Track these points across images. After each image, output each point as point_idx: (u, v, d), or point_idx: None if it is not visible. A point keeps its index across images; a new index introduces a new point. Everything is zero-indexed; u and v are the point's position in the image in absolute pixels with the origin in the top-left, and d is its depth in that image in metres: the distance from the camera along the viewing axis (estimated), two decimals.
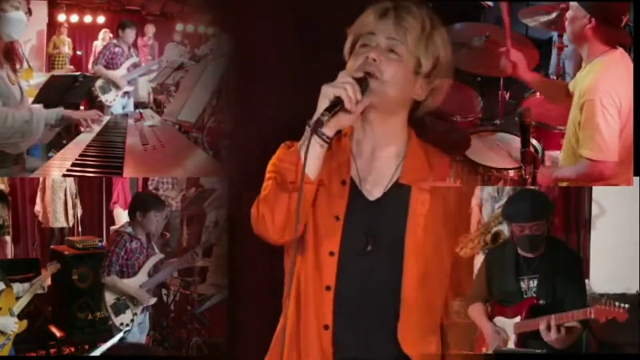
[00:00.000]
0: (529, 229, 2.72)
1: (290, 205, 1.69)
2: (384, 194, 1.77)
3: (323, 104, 1.64)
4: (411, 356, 1.75)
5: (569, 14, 2.76)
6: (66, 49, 5.21)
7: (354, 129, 1.80)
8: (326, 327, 1.75)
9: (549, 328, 2.57)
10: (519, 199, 2.82)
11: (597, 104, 2.60)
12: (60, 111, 3.15)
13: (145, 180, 5.31)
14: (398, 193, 1.77)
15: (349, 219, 1.75)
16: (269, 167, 1.79)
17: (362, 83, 1.67)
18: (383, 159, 1.79)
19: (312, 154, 1.65)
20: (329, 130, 1.65)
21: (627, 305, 2.47)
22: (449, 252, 1.82)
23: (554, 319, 2.57)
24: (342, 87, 1.63)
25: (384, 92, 1.70)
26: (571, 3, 2.77)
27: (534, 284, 2.74)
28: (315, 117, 1.64)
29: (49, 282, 4.19)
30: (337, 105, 1.63)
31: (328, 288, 1.75)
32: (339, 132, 1.73)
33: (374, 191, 1.78)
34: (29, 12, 3.06)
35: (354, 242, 1.75)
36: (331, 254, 1.75)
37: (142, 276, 4.07)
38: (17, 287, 3.82)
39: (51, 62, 5.21)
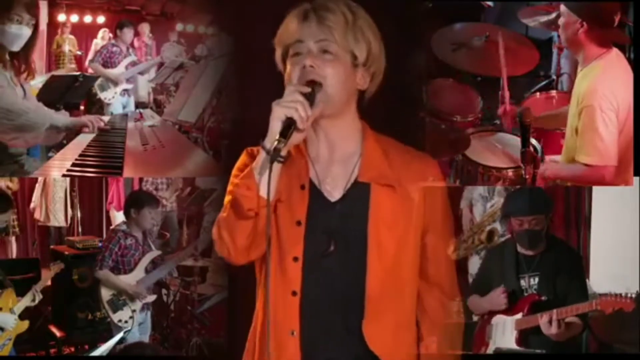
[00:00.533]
0: (528, 224, 2.74)
1: (249, 231, 1.69)
2: (344, 194, 1.76)
3: (276, 126, 1.63)
4: (379, 355, 1.73)
5: (561, 21, 2.76)
6: (66, 47, 5.21)
7: (308, 135, 1.76)
8: (292, 333, 1.74)
9: (550, 322, 2.58)
10: (519, 194, 2.84)
11: (596, 109, 2.60)
12: (67, 119, 3.19)
13: (140, 181, 5.33)
14: (358, 192, 1.75)
15: (311, 222, 1.74)
16: (231, 179, 1.77)
17: (310, 97, 1.66)
18: (340, 158, 1.78)
19: (272, 178, 1.64)
20: (283, 150, 1.64)
21: (633, 295, 2.49)
22: (418, 250, 1.81)
23: (556, 313, 2.58)
24: (293, 107, 1.62)
25: (329, 97, 1.70)
26: (562, 9, 2.76)
27: (534, 281, 2.75)
28: (268, 140, 1.63)
29: (49, 282, 4.20)
30: (290, 127, 1.62)
31: (294, 293, 1.74)
32: None
33: (334, 192, 1.77)
34: (35, 26, 3.08)
35: (317, 245, 1.74)
36: (295, 259, 1.74)
37: (139, 272, 4.10)
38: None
39: (55, 61, 5.22)
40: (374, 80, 1.79)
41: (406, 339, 1.80)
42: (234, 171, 1.80)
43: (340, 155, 1.79)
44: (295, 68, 1.72)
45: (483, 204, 3.45)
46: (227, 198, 1.74)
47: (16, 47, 2.98)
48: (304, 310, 1.74)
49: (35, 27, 3.05)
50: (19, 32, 2.98)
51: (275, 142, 1.61)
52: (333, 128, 1.77)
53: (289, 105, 1.63)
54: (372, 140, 1.81)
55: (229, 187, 1.76)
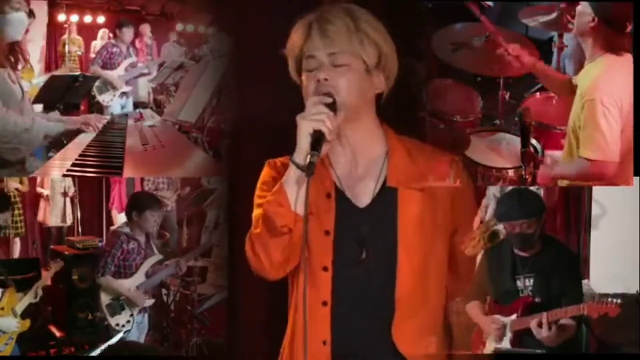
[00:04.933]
0: (519, 227, 2.74)
1: (285, 246, 1.69)
2: (373, 199, 1.76)
3: (305, 140, 1.63)
4: (409, 358, 1.74)
5: (579, 8, 2.75)
6: (73, 48, 5.21)
7: None
8: (324, 343, 1.74)
9: (540, 325, 2.58)
10: (509, 198, 2.84)
11: (598, 103, 2.60)
12: (61, 126, 3.18)
13: (141, 182, 5.32)
14: (386, 196, 1.76)
15: (339, 231, 1.74)
16: (257, 192, 1.78)
17: (332, 106, 1.67)
18: (365, 163, 1.79)
19: (303, 191, 1.64)
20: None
21: (619, 301, 2.49)
22: (446, 250, 1.81)
23: (546, 316, 2.58)
24: (320, 120, 1.63)
25: (348, 105, 1.70)
26: None
27: (530, 282, 2.75)
28: (298, 154, 1.64)
29: (48, 282, 4.20)
30: (319, 140, 1.63)
31: (324, 304, 1.74)
32: None
33: (362, 198, 1.77)
34: (32, 13, 3.07)
35: (347, 253, 1.74)
36: (324, 269, 1.74)
37: (139, 277, 4.08)
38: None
39: (61, 61, 5.22)
40: (389, 80, 1.79)
41: (435, 342, 1.81)
42: (259, 184, 1.80)
43: (364, 160, 1.79)
44: (311, 82, 1.73)
45: (494, 204, 3.44)
46: (257, 212, 1.75)
47: (19, 36, 2.96)
48: (335, 319, 1.74)
49: (31, 13, 3.03)
50: (22, 19, 2.95)
51: (309, 157, 1.61)
52: (355, 134, 1.77)
53: (315, 118, 1.64)
54: (396, 143, 1.81)
55: (257, 201, 1.77)
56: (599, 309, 2.50)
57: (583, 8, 2.72)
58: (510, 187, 3.07)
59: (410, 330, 1.74)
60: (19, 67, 3.04)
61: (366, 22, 1.75)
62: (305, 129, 1.64)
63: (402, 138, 1.83)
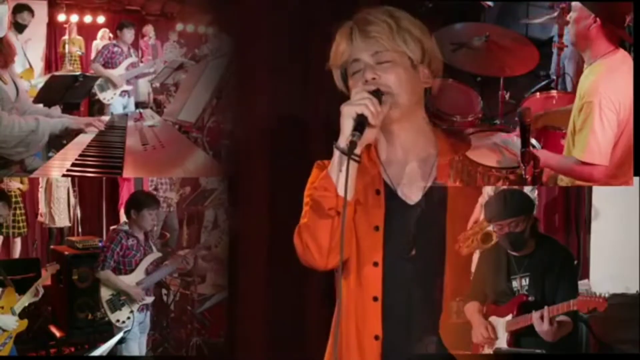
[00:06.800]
0: (507, 227, 2.74)
1: (332, 230, 1.70)
2: (424, 195, 1.78)
3: (347, 124, 1.65)
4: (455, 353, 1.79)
5: (571, 16, 2.75)
6: (74, 48, 5.22)
7: (378, 140, 1.80)
8: (376, 338, 1.76)
9: (542, 318, 2.59)
10: (496, 198, 2.83)
11: (596, 106, 2.60)
12: (65, 122, 3.16)
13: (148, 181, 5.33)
14: (436, 193, 1.78)
15: (389, 227, 1.76)
16: (306, 192, 1.79)
17: (377, 94, 1.68)
18: (416, 161, 1.80)
19: (350, 176, 1.65)
20: (358, 148, 1.66)
21: (606, 295, 2.51)
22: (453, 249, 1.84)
23: (547, 310, 2.60)
24: (363, 103, 1.65)
25: (399, 102, 1.72)
26: (574, 4, 2.76)
27: (525, 282, 2.75)
28: (341, 139, 1.65)
29: (48, 282, 4.20)
30: (363, 123, 1.64)
31: (375, 299, 1.76)
32: (367, 146, 1.75)
33: (411, 195, 1.78)
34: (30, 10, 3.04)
35: (397, 249, 1.76)
36: (375, 264, 1.76)
37: (139, 273, 4.09)
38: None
39: (62, 61, 5.23)
40: (434, 75, 1.81)
41: (433, 342, 1.81)
42: (308, 185, 1.81)
43: (415, 157, 1.81)
44: (358, 84, 1.74)
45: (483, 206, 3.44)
46: (305, 209, 1.75)
47: (2, 32, 2.90)
48: (386, 314, 1.75)
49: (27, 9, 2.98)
50: (3, 12, 2.89)
51: (350, 136, 1.63)
52: (405, 132, 1.79)
53: (358, 103, 1.65)
54: (445, 144, 1.85)
55: (305, 200, 1.78)
56: (587, 304, 2.52)
57: (579, 13, 2.71)
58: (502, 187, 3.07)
59: (456, 326, 1.79)
60: (8, 64, 2.97)
61: (406, 19, 1.77)
62: (348, 113, 1.65)
63: (450, 137, 1.87)
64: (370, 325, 1.76)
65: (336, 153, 1.67)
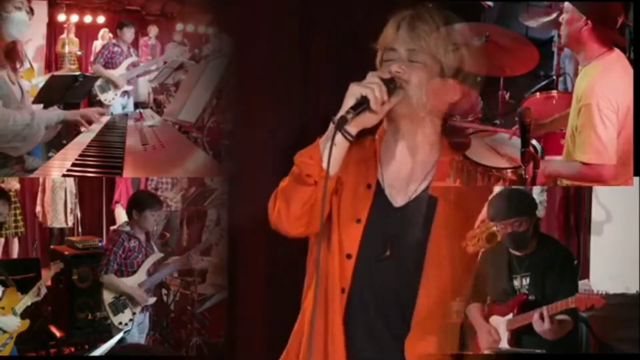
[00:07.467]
0: (510, 227, 2.74)
1: (306, 198, 1.70)
2: (409, 202, 1.76)
3: (349, 101, 1.65)
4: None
5: (563, 17, 2.76)
6: (73, 48, 5.22)
7: (386, 134, 1.80)
8: (344, 324, 1.75)
9: (542, 318, 2.59)
10: (499, 198, 2.83)
11: (594, 107, 2.60)
12: (60, 114, 3.17)
13: (147, 179, 5.32)
14: (424, 202, 1.76)
15: (371, 222, 1.75)
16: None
17: (390, 84, 1.67)
18: (414, 166, 1.79)
19: (334, 151, 1.64)
20: (352, 128, 1.66)
21: (604, 292, 2.51)
22: (473, 263, 1.85)
23: (546, 309, 2.60)
24: (370, 87, 1.64)
25: (409, 99, 1.71)
26: (566, 6, 2.76)
27: (526, 282, 2.76)
28: (340, 114, 1.64)
29: (49, 282, 4.20)
30: (362, 105, 1.64)
31: (342, 291, 1.75)
32: (371, 135, 1.75)
33: (398, 198, 1.77)
34: (31, 11, 3.08)
35: (373, 247, 1.74)
36: (348, 256, 1.75)
37: (141, 275, 4.08)
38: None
39: (60, 61, 5.23)
40: (466, 96, 1.80)
41: (431, 342, 1.77)
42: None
43: (413, 163, 1.79)
44: (384, 72, 1.72)
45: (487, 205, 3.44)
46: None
47: (20, 35, 2.96)
48: (349, 308, 1.75)
49: (31, 11, 3.04)
50: (24, 19, 2.96)
51: (345, 113, 1.63)
52: (412, 134, 1.78)
53: (365, 85, 1.65)
54: (449, 155, 1.83)
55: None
56: (585, 301, 2.52)
57: (571, 15, 2.71)
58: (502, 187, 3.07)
59: (424, 347, 1.73)
60: (18, 66, 3.03)
61: (460, 33, 1.78)
62: (352, 92, 1.65)
63: (450, 137, 1.85)
64: (336, 314, 1.75)
65: (331, 126, 1.67)
